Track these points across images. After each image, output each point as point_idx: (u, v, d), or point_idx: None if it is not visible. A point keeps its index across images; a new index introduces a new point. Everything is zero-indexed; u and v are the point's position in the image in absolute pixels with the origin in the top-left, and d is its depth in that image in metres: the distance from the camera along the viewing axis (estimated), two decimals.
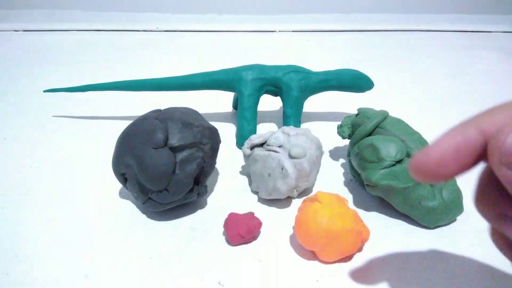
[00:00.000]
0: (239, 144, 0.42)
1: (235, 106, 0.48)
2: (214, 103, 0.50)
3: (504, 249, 0.18)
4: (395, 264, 0.29)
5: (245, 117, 0.41)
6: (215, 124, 0.40)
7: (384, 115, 0.35)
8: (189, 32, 0.76)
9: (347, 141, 0.41)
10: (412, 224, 0.32)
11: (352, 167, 0.35)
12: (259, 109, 0.43)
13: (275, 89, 0.43)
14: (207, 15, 0.80)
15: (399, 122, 0.34)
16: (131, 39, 0.72)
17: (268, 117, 0.48)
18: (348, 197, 0.35)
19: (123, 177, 0.33)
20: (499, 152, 0.14)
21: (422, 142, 0.33)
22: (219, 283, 0.27)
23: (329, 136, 0.42)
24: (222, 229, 0.31)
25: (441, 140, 0.16)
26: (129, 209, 0.34)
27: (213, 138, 0.33)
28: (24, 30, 0.75)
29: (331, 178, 0.38)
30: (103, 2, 0.80)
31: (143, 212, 0.33)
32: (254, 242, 0.30)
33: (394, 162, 0.31)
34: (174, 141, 0.31)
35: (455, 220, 0.32)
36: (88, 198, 0.35)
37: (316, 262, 0.29)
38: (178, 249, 0.30)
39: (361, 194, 0.35)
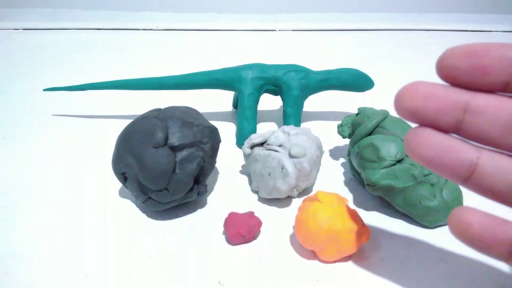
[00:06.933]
0: (239, 144, 0.42)
1: (235, 105, 0.48)
2: (214, 102, 0.50)
3: None
4: (395, 264, 0.29)
5: (245, 116, 0.41)
6: (215, 123, 0.40)
7: (385, 115, 0.35)
8: (189, 31, 0.76)
9: (347, 141, 0.41)
10: (412, 224, 0.32)
11: (352, 167, 0.35)
12: (259, 108, 0.43)
13: (275, 88, 0.43)
14: (207, 14, 0.80)
15: (399, 122, 0.34)
16: (131, 38, 0.72)
17: (268, 116, 0.48)
18: (348, 196, 0.35)
19: (123, 177, 0.33)
20: None
21: None
22: (219, 283, 0.27)
23: (329, 136, 0.42)
24: (222, 229, 0.31)
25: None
26: (129, 209, 0.34)
27: (213, 138, 0.33)
28: (23, 29, 0.75)
29: (331, 177, 0.37)
30: (103, 1, 0.79)
31: (143, 212, 0.33)
32: (254, 242, 0.30)
33: (394, 162, 0.31)
34: (174, 140, 0.31)
35: None
36: (88, 198, 0.35)
37: (316, 262, 0.29)
38: (178, 249, 0.30)
39: (361, 194, 0.35)
